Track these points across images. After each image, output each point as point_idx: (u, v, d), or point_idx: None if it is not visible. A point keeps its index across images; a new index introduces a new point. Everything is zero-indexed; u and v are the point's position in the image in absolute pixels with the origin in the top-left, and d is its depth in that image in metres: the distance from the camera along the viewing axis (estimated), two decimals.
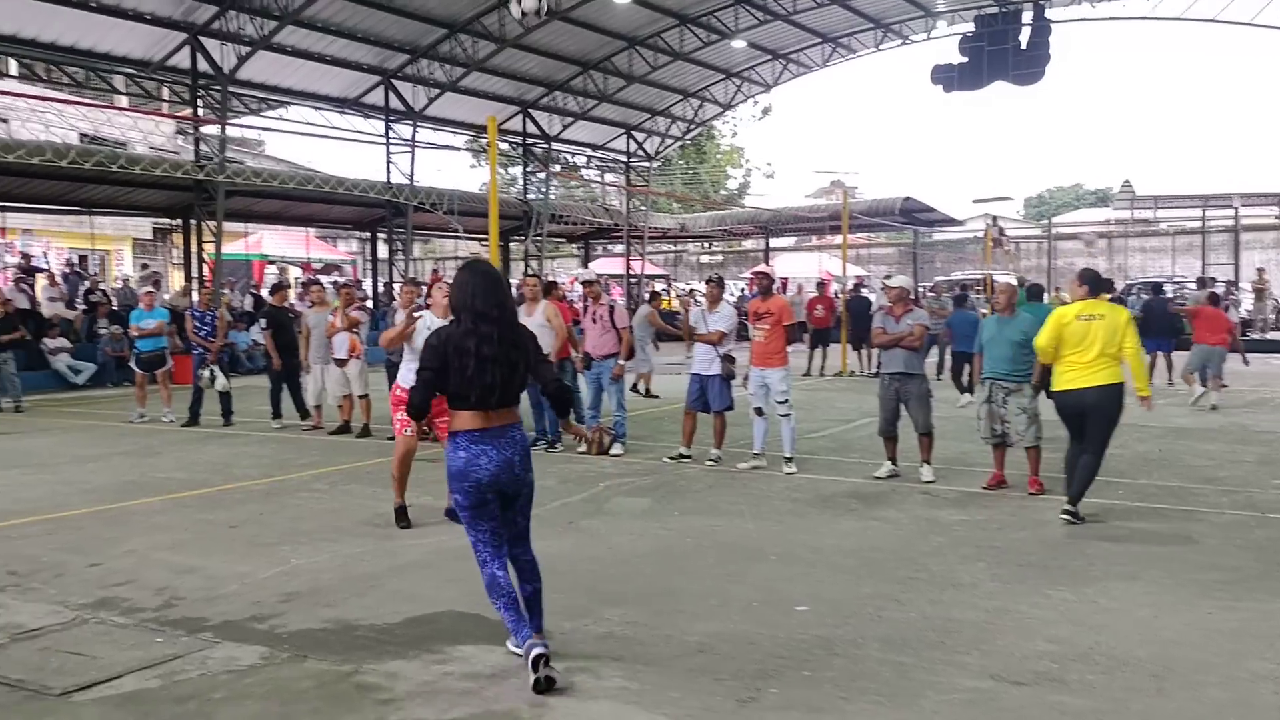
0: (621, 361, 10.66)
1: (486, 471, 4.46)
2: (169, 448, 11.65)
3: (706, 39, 28.62)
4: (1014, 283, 9.66)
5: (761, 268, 10.76)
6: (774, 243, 42.57)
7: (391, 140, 27.14)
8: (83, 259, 30.62)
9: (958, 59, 24.80)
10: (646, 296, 23.45)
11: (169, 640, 5.06)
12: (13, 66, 23.61)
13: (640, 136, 35.09)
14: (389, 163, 26.98)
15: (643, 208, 36.76)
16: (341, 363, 12.55)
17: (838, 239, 29.23)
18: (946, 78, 25.21)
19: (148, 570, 6.35)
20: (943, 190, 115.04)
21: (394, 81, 26.23)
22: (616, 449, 10.69)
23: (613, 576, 6.20)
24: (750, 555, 6.69)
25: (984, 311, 14.87)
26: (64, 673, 4.62)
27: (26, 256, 25.88)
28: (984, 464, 9.30)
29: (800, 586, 5.94)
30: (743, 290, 36.98)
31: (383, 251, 30.81)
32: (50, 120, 29.04)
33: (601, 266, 41.10)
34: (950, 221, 38.99)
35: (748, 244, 45.83)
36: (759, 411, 9.79)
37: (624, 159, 35.75)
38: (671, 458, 10.27)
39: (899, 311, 9.24)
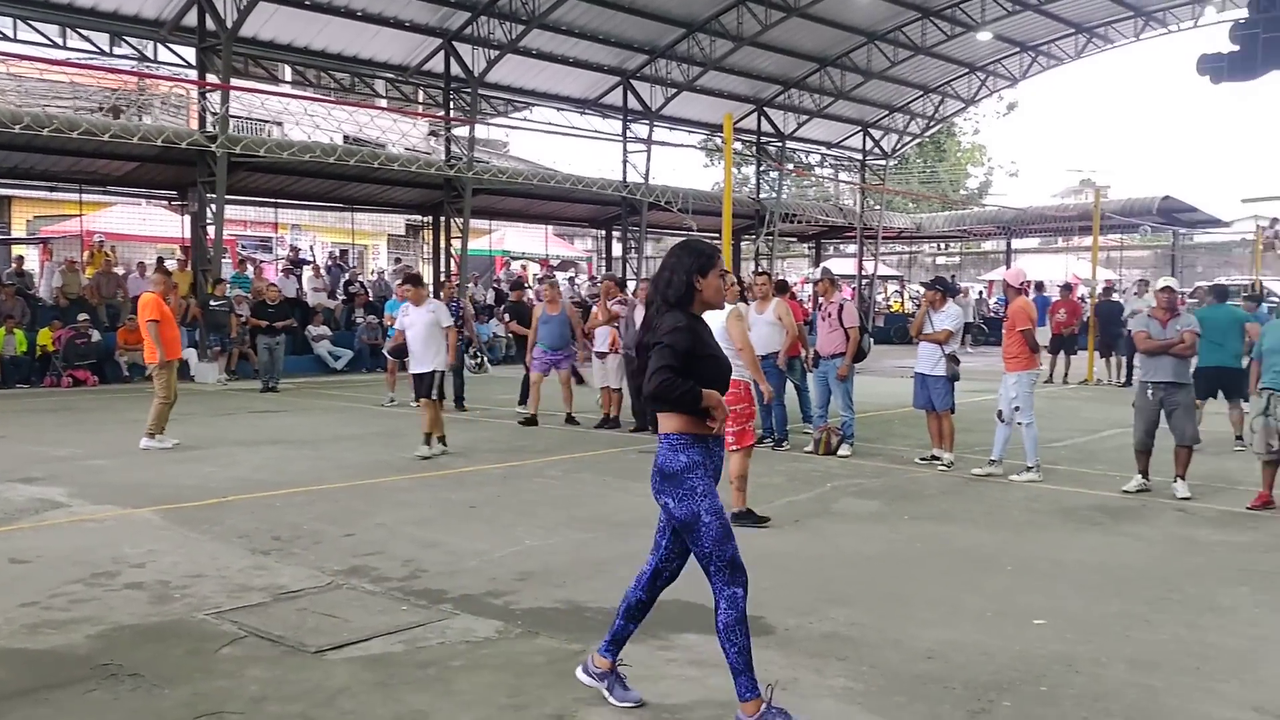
0: (848, 361, 10.47)
1: None
2: (415, 430, 12.29)
3: (950, 32, 27.67)
4: None
5: (1004, 272, 10.45)
6: (1016, 244, 40.74)
7: (628, 139, 27.74)
8: (343, 253, 32.95)
9: (1228, 47, 22.85)
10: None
11: (413, 609, 5.36)
12: (286, 73, 25.67)
13: (877, 134, 34.35)
14: (625, 162, 27.58)
15: (877, 207, 35.98)
16: (602, 356, 12.81)
17: (1087, 240, 27.64)
18: (1215, 67, 22.99)
19: (396, 543, 6.75)
20: (1206, 189, 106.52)
21: (632, 82, 26.78)
22: (844, 450, 10.52)
23: (839, 577, 6.09)
24: (984, 565, 6.41)
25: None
26: (319, 632, 4.97)
27: (295, 249, 28.04)
28: (1248, 482, 8.57)
29: (1038, 600, 5.64)
30: (980, 292, 35.64)
31: (616, 249, 31.55)
32: (319, 123, 31.48)
33: (832, 267, 40.52)
34: (1214, 223, 36.02)
35: (987, 245, 44.06)
36: (1000, 415, 9.42)
37: (859, 157, 35.12)
38: (922, 459, 10.11)
39: (1166, 317, 8.65)
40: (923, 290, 10.61)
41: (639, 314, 12.15)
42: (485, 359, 14.16)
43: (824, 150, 35.22)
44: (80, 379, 17.36)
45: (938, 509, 8.09)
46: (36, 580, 5.79)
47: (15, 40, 18.79)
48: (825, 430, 10.61)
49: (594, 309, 13.19)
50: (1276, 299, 26.26)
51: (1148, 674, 4.53)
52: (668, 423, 3.94)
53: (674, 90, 26.81)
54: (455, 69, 23.09)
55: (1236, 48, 23.07)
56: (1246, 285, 28.16)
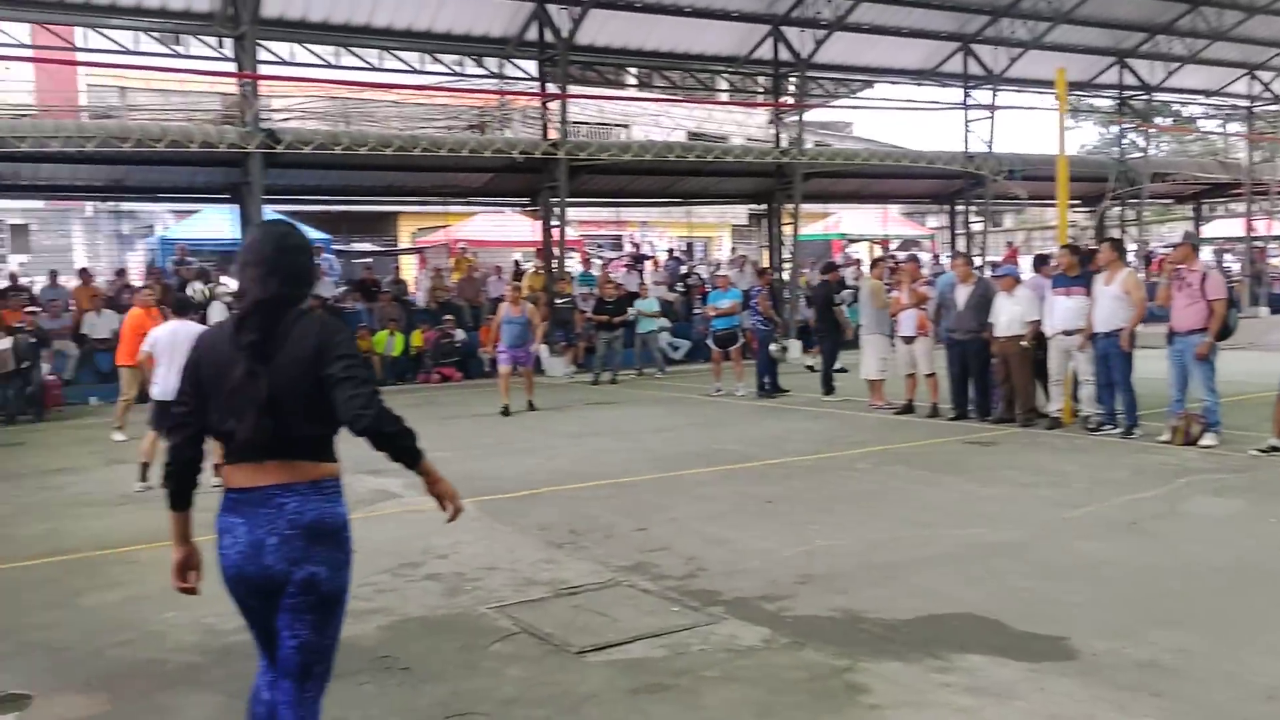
0: (1209, 339, 9.08)
1: (231, 560, 3.01)
2: (735, 420, 12.26)
3: None
4: None
5: None
6: None
7: (970, 107, 26.18)
8: (690, 246, 33.76)
9: None
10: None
11: (683, 611, 5.19)
12: (631, 76, 26.56)
13: (1266, 76, 30.16)
14: (967, 132, 26.07)
15: (1270, 159, 31.61)
16: (909, 340, 12.29)
17: None
18: None
19: (683, 539, 6.64)
20: None
21: (972, 46, 25.21)
22: (1208, 439, 9.17)
23: (1172, 591, 5.25)
24: None
25: None
26: (586, 631, 4.92)
27: (636, 245, 29.00)
28: None
29: None
30: None
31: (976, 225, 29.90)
32: (660, 121, 32.36)
33: (1219, 229, 36.23)
34: None
35: None
36: None
37: (1246, 104, 30.99)
38: (1260, 450, 8.66)
39: None
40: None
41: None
42: (785, 346, 14.19)
43: (1203, 99, 31.41)
44: (446, 375, 18.86)
45: None
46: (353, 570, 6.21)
47: (381, 70, 20.78)
48: (1184, 417, 9.32)
49: (898, 293, 12.55)
50: None
51: None
52: None
53: (1019, 50, 24.94)
54: (785, 54, 22.81)
55: None
56: None
